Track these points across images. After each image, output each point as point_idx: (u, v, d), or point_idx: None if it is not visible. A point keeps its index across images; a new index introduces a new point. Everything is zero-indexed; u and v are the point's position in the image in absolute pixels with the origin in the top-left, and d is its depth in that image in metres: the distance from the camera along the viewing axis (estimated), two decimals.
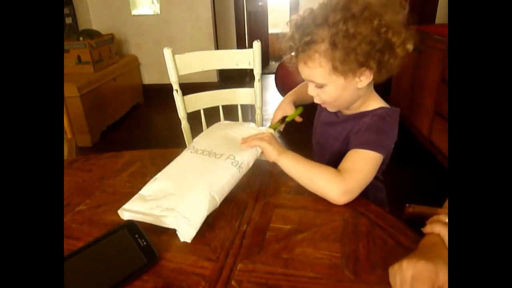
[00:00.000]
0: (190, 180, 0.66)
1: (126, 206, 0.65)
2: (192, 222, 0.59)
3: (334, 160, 0.75)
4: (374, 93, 0.79)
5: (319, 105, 0.84)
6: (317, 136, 0.92)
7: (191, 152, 0.73)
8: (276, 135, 0.83)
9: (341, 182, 0.66)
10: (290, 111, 0.92)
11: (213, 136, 0.79)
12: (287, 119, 0.91)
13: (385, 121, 0.73)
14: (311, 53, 0.68)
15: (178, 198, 0.63)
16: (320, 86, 0.73)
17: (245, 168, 0.70)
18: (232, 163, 0.68)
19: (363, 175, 0.68)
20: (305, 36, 0.68)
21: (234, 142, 0.74)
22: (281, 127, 0.91)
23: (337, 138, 0.81)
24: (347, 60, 0.65)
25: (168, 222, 0.60)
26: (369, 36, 0.64)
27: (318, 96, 0.76)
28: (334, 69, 0.67)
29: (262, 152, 0.73)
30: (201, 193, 0.63)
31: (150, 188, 0.67)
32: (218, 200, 0.64)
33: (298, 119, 0.92)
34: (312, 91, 0.75)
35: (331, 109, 0.81)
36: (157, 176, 0.70)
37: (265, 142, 0.71)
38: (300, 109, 0.93)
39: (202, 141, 0.76)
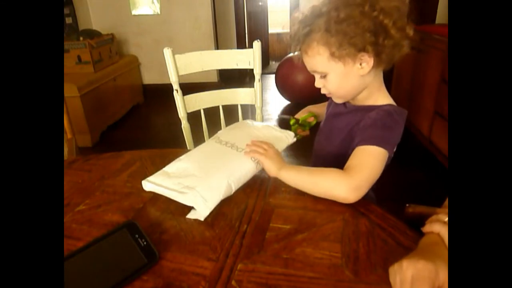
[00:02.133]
0: (212, 165, 0.72)
1: (150, 178, 0.72)
2: (208, 203, 0.65)
3: (334, 153, 0.75)
4: (383, 89, 0.79)
5: (329, 101, 0.88)
6: (323, 127, 0.92)
7: (215, 141, 0.79)
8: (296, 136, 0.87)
9: (348, 179, 0.65)
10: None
11: (237, 131, 0.85)
12: (300, 120, 0.96)
13: (391, 118, 0.73)
14: (310, 42, 0.72)
15: (198, 179, 0.69)
16: (324, 76, 0.75)
17: (260, 166, 0.74)
18: (252, 158, 0.73)
19: (370, 171, 0.67)
20: (305, 27, 0.71)
21: (257, 138, 0.79)
22: (305, 132, 0.97)
23: (342, 129, 0.81)
24: (342, 45, 0.67)
25: (186, 198, 0.66)
26: (359, 19, 0.65)
27: (325, 88, 0.77)
28: (332, 55, 0.70)
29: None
30: (220, 179, 0.68)
31: (174, 166, 0.74)
32: (234, 188, 0.69)
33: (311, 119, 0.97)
34: (318, 82, 0.77)
35: (337, 100, 0.82)
36: (181, 157, 0.76)
37: (264, 156, 0.72)
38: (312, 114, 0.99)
39: (227, 134, 0.82)
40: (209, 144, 0.80)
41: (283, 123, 0.95)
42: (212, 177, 0.69)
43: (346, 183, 0.65)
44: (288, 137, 0.83)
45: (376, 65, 0.71)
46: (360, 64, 0.71)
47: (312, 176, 0.69)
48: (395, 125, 0.73)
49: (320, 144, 0.92)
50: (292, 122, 0.96)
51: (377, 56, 0.69)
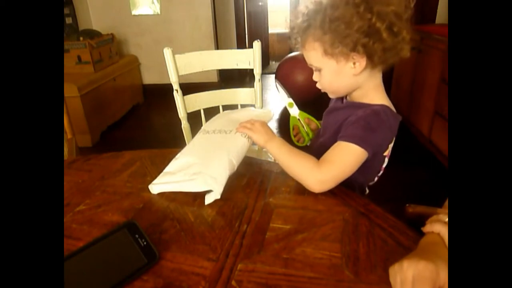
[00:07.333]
0: (209, 150, 0.77)
1: (155, 181, 0.74)
2: (218, 180, 0.70)
3: (325, 144, 0.75)
4: (381, 90, 0.78)
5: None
6: (322, 120, 0.93)
7: (203, 134, 0.84)
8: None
9: (318, 172, 0.69)
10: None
11: (220, 120, 0.90)
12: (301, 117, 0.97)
13: (377, 118, 0.72)
14: (306, 37, 0.74)
15: (201, 164, 0.74)
16: (319, 70, 0.76)
17: (251, 140, 0.79)
18: (241, 135, 0.79)
19: (340, 168, 0.69)
20: (304, 21, 0.73)
21: (239, 121, 0.83)
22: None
23: (336, 123, 0.81)
24: (334, 43, 0.69)
25: (197, 184, 0.70)
26: (353, 20, 0.66)
27: (320, 82, 0.79)
28: (325, 52, 0.71)
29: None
30: (221, 157, 0.74)
31: (174, 165, 0.77)
32: (235, 163, 0.75)
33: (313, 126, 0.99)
34: (315, 76, 0.79)
35: (330, 95, 0.84)
36: (177, 156, 0.79)
37: (251, 131, 0.77)
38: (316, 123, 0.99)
39: (211, 125, 0.87)
40: (199, 137, 0.84)
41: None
42: (214, 158, 0.74)
43: (314, 175, 0.69)
44: (267, 113, 0.91)
45: (370, 66, 0.71)
46: (354, 64, 0.71)
47: (289, 157, 0.73)
48: (380, 125, 0.72)
49: (316, 134, 0.95)
50: (289, 104, 0.96)
51: (369, 57, 0.70)
